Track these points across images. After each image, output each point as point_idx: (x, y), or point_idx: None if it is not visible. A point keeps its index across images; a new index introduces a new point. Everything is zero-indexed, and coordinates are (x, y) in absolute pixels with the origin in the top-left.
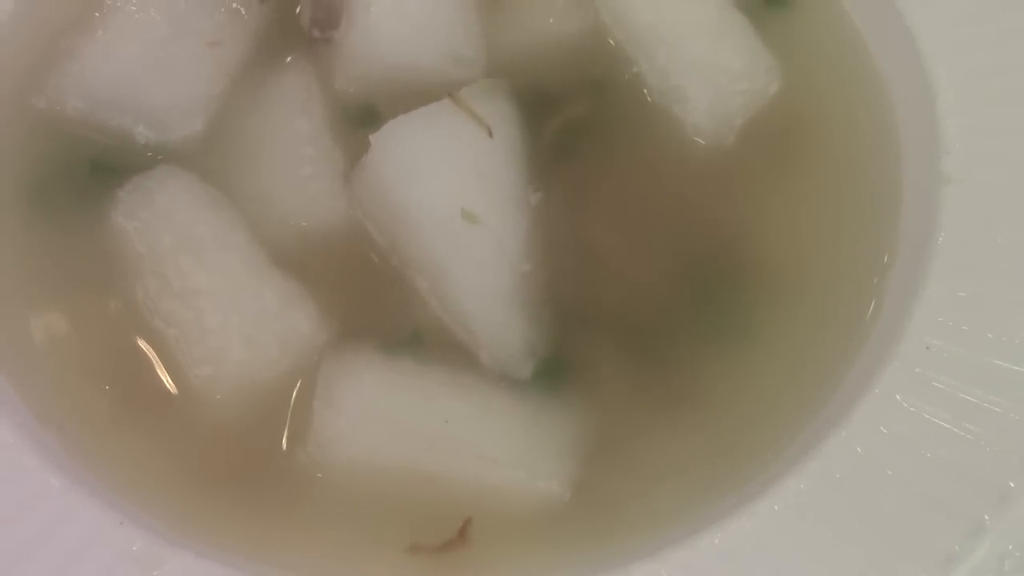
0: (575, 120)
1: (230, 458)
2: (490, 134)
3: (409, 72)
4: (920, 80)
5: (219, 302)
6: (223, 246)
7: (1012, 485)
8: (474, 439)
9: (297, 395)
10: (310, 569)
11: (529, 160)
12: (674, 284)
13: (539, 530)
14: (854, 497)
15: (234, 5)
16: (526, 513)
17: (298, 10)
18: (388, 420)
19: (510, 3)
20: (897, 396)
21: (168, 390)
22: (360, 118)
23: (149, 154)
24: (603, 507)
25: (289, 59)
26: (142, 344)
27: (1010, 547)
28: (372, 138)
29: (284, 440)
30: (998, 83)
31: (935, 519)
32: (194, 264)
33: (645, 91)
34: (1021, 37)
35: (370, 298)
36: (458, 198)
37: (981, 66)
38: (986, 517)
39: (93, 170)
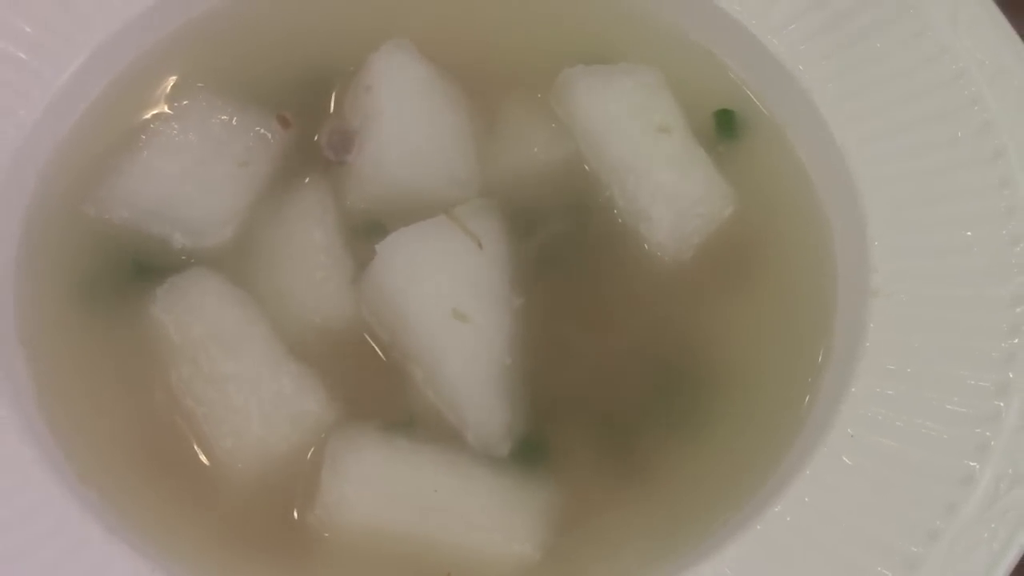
0: (554, 236)
1: (248, 518)
2: (480, 246)
3: (411, 192)
4: (853, 208)
5: (242, 385)
6: (246, 337)
7: (915, 550)
8: (459, 507)
9: (307, 466)
10: None
11: (513, 269)
12: (636, 378)
13: None
14: (784, 560)
15: (261, 131)
16: (502, 571)
17: (316, 137)
18: (386, 489)
19: (501, 134)
20: (825, 478)
21: (196, 459)
22: (368, 230)
23: (184, 257)
24: (568, 569)
25: (308, 179)
26: (175, 419)
27: None
28: (378, 247)
29: (296, 504)
30: (919, 213)
31: None
32: (221, 352)
33: (615, 212)
34: (941, 174)
35: (372, 385)
36: (450, 300)
37: (905, 198)
38: None
39: (135, 270)
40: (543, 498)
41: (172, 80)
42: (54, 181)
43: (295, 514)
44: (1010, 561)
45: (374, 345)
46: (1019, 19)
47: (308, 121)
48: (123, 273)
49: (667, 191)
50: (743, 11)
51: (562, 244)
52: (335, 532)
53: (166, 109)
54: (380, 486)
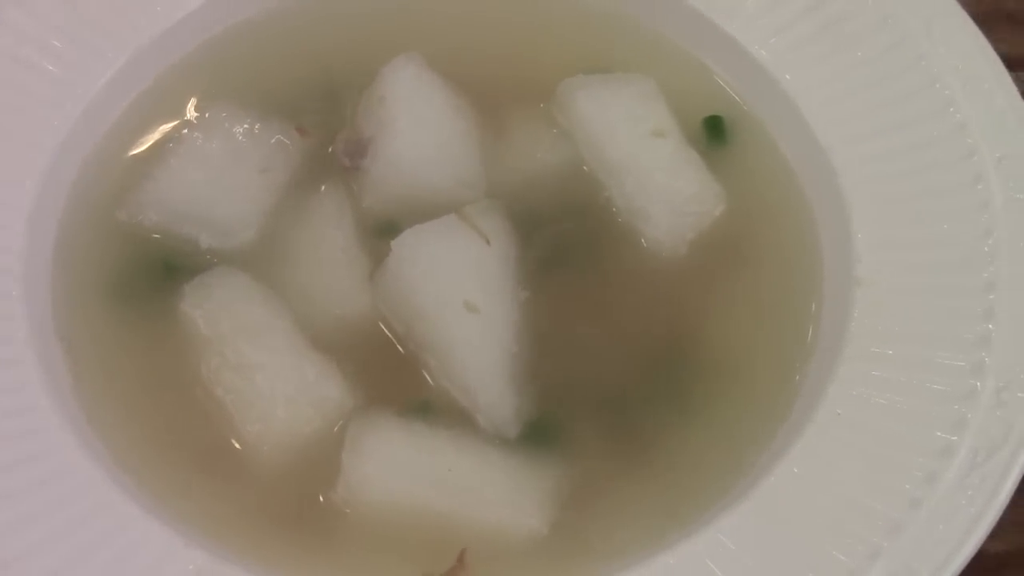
0: (557, 234)
1: (275, 496)
2: (488, 243)
3: (423, 193)
4: (837, 204)
5: (267, 374)
6: (270, 330)
7: (899, 516)
8: (472, 484)
9: (330, 448)
10: None
11: (520, 265)
12: (637, 364)
13: (523, 559)
14: (776, 528)
15: (281, 140)
16: (512, 545)
17: (330, 149)
18: (403, 468)
19: (506, 140)
20: (814, 452)
21: (226, 444)
22: (383, 230)
23: (210, 257)
24: (575, 542)
25: (325, 184)
26: (205, 407)
27: (900, 570)
28: (392, 244)
29: (319, 483)
30: (899, 208)
31: (840, 543)
32: (247, 344)
33: (614, 211)
34: (919, 172)
35: (389, 373)
36: (461, 293)
37: (886, 194)
38: (885, 544)
39: (165, 270)
40: (550, 476)
41: (197, 92)
42: (87, 188)
43: (319, 492)
44: (987, 524)
45: (390, 336)
46: (988, 29)
47: (325, 130)
48: (154, 272)
49: (663, 191)
50: (733, 24)
51: (565, 241)
52: (356, 509)
53: (192, 120)
54: (398, 466)
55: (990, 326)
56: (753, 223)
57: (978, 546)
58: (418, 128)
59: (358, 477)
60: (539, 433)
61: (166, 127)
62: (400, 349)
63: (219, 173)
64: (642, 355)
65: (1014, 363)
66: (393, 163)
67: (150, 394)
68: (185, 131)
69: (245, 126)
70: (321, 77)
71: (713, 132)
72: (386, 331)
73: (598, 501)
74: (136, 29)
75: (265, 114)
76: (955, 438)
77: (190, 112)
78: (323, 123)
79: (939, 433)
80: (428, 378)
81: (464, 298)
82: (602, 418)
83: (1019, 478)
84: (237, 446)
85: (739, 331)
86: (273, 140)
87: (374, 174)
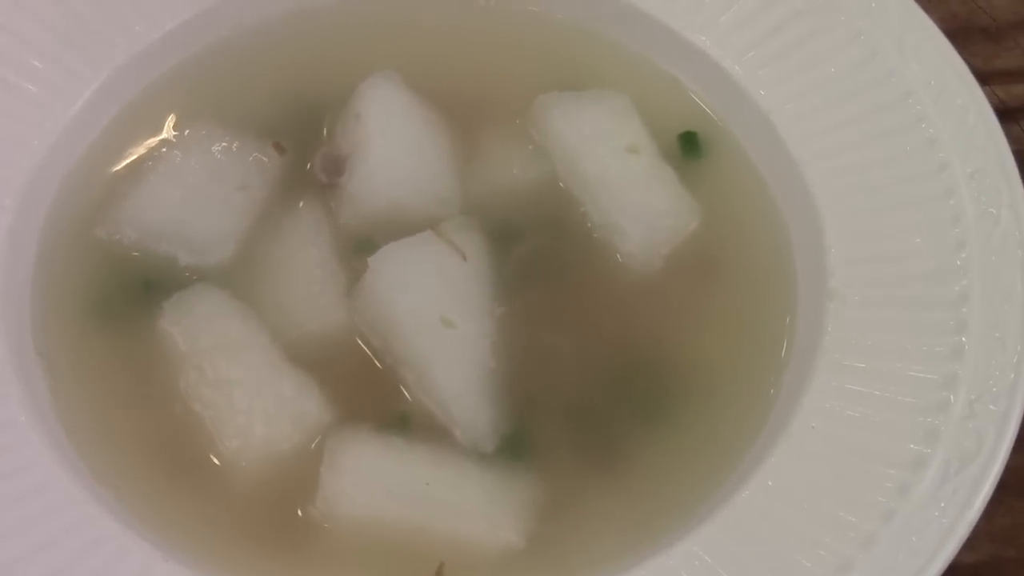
0: (533, 249)
1: (254, 511)
2: (464, 259)
3: (400, 210)
4: (810, 218)
5: (245, 390)
6: (248, 346)
7: (872, 528)
8: (449, 498)
9: (308, 463)
10: None
11: (496, 280)
12: (613, 379)
13: (500, 572)
14: (751, 540)
15: (259, 157)
16: (489, 558)
17: (308, 166)
18: (381, 482)
19: (482, 156)
20: (789, 465)
21: (204, 459)
22: (360, 246)
23: (188, 274)
24: (552, 554)
25: (303, 201)
26: (184, 423)
27: None
28: (370, 260)
29: (297, 498)
30: (872, 222)
31: (814, 555)
32: (225, 360)
33: (589, 226)
34: (891, 186)
35: (367, 388)
36: (438, 308)
37: (859, 208)
38: (858, 556)
39: (144, 287)
40: (527, 490)
41: (175, 111)
42: (66, 206)
43: (297, 507)
44: (960, 535)
45: (368, 351)
46: (961, 44)
47: (302, 147)
48: (133, 290)
49: (637, 206)
50: (706, 40)
51: (540, 256)
52: (334, 523)
53: (170, 138)
54: (375, 480)
55: (962, 339)
56: (727, 238)
57: (951, 557)
58: (394, 145)
59: (336, 491)
60: (516, 447)
61: (145, 145)
62: (377, 364)
63: (197, 191)
64: (618, 369)
65: (986, 375)
66: (370, 180)
67: (129, 410)
68: (164, 149)
69: (223, 144)
70: (299, 95)
71: (688, 147)
72: (363, 346)
73: (575, 514)
74: (114, 49)
75: (242, 132)
76: (928, 450)
77: (169, 130)
78: (301, 140)
79: (912, 445)
80: (405, 393)
81: (441, 313)
82: (579, 432)
83: (992, 489)
84: (216, 461)
85: (714, 344)
86: (251, 158)
87: (351, 191)
